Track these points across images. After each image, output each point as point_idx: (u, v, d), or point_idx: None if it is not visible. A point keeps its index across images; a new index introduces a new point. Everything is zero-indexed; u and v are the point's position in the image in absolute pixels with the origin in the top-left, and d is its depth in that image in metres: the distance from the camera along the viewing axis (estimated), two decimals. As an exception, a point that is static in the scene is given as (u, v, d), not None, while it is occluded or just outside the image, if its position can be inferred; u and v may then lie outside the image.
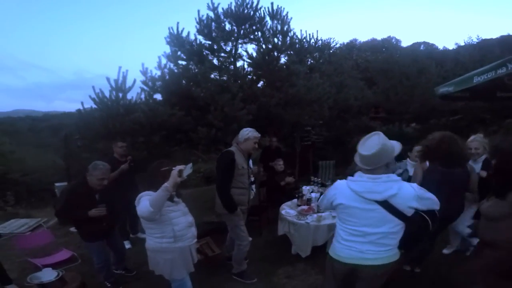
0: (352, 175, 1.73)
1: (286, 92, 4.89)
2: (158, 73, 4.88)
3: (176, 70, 5.07)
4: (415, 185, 1.69)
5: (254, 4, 5.12)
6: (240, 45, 5.49)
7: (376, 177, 1.63)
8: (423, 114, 9.64)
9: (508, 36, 17.18)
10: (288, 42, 5.24)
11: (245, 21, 5.20)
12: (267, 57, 5.07)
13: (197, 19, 5.11)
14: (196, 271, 2.42)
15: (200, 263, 3.23)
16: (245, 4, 5.08)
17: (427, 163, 2.58)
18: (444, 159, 2.40)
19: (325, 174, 6.96)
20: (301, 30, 5.62)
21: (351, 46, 20.93)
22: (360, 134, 8.74)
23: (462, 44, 18.63)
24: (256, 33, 5.37)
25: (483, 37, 17.98)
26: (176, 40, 5.11)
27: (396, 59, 11.46)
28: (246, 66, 5.64)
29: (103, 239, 3.01)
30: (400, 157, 3.28)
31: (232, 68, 5.45)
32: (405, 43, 24.53)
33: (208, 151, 5.45)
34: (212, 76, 5.04)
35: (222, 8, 5.20)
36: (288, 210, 3.84)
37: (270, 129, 5.52)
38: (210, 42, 5.28)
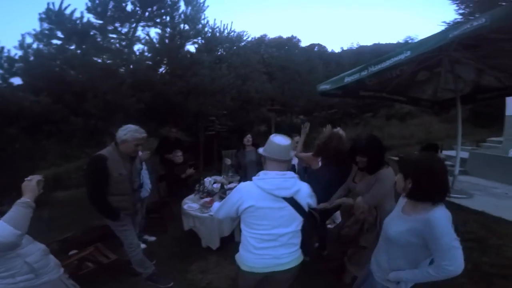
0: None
1: (189, 81, 4.69)
2: (19, 53, 3.90)
3: (46, 51, 4.11)
4: (306, 184, 1.73)
5: None
6: (142, 28, 4.91)
7: (284, 173, 1.62)
8: (309, 108, 11.21)
9: (379, 44, 21.98)
10: (200, 29, 5.02)
11: (153, 3, 4.69)
12: (170, 43, 4.69)
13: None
14: (94, 281, 2.01)
15: (96, 273, 2.83)
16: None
17: (319, 159, 2.73)
18: (331, 157, 2.56)
19: (227, 164, 7.14)
20: (215, 20, 5.52)
21: (261, 41, 21.92)
22: (260, 124, 9.34)
23: (345, 48, 22.72)
24: (164, 17, 4.90)
25: (361, 44, 22.50)
26: (55, 17, 4.16)
27: (293, 58, 12.71)
28: (146, 50, 5.09)
29: None
30: None
31: (127, 51, 4.80)
32: (304, 43, 27.60)
33: (87, 145, 4.61)
34: (100, 60, 4.31)
35: (128, -12, 4.54)
36: (190, 204, 3.70)
37: (171, 118, 5.20)
38: (102, 22, 4.49)
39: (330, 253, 3.19)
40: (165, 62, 4.91)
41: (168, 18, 4.92)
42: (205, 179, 4.23)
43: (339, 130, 2.89)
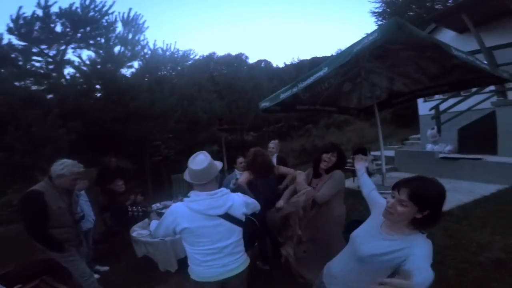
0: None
1: (127, 105, 4.52)
2: None
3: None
4: (239, 193, 1.85)
5: (105, 8, 4.55)
6: (73, 50, 4.65)
7: (213, 193, 1.67)
8: (257, 124, 11.63)
9: (316, 57, 23.83)
10: (138, 51, 4.92)
11: (87, 24, 4.50)
12: (103, 67, 4.53)
13: (14, 16, 3.99)
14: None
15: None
16: (92, 6, 4.43)
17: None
18: (259, 170, 2.94)
19: (178, 188, 6.91)
20: (155, 41, 5.48)
21: (209, 59, 21.85)
22: (212, 144, 9.27)
23: (288, 63, 24.11)
24: (99, 39, 4.70)
25: (301, 58, 24.08)
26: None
27: (239, 76, 13.07)
28: (79, 77, 4.80)
29: None
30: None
31: (55, 75, 4.47)
32: (252, 59, 28.25)
33: (14, 182, 4.11)
34: (24, 85, 3.95)
35: (60, 8, 4.32)
36: (140, 231, 3.63)
37: (111, 147, 4.90)
38: (25, 43, 4.14)
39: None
40: (98, 87, 4.69)
41: (103, 40, 4.77)
42: (153, 205, 4.11)
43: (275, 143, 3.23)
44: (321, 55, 25.03)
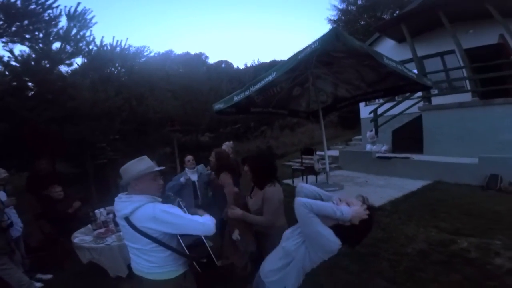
0: None
1: (63, 106, 4.09)
2: None
3: None
4: (162, 207, 1.67)
5: (49, 2, 4.09)
6: (3, 45, 4.08)
7: (120, 196, 1.73)
8: (214, 125, 11.52)
9: (275, 61, 24.31)
10: (81, 47, 4.46)
11: (25, 18, 3.96)
12: (37, 63, 4.04)
13: None
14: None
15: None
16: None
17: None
18: (225, 169, 3.00)
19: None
20: (102, 37, 5.03)
21: (166, 57, 20.62)
22: (165, 146, 8.80)
23: (248, 65, 24.17)
24: (37, 33, 4.17)
25: (261, 61, 24.28)
26: None
27: (196, 76, 12.63)
28: (8, 74, 4.21)
29: None
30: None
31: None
32: (213, 59, 27.73)
33: None
34: None
35: (-3, -1, 3.75)
36: (82, 237, 3.49)
37: (46, 149, 4.41)
38: None
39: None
40: (31, 85, 4.17)
41: (41, 35, 4.23)
42: (95, 211, 3.83)
43: (228, 145, 3.25)
44: (279, 59, 25.69)
